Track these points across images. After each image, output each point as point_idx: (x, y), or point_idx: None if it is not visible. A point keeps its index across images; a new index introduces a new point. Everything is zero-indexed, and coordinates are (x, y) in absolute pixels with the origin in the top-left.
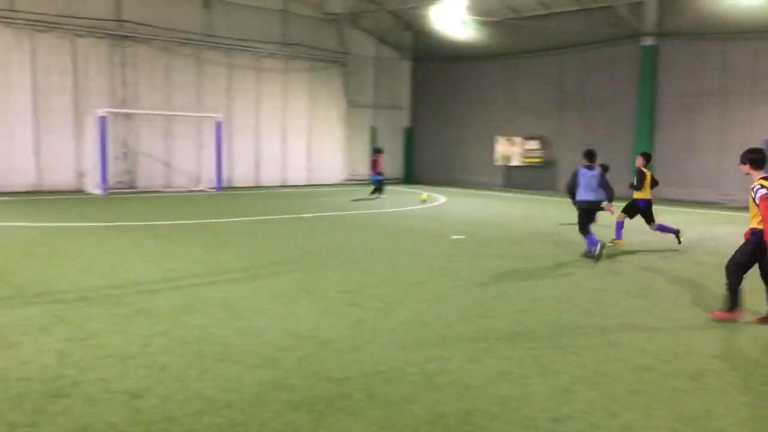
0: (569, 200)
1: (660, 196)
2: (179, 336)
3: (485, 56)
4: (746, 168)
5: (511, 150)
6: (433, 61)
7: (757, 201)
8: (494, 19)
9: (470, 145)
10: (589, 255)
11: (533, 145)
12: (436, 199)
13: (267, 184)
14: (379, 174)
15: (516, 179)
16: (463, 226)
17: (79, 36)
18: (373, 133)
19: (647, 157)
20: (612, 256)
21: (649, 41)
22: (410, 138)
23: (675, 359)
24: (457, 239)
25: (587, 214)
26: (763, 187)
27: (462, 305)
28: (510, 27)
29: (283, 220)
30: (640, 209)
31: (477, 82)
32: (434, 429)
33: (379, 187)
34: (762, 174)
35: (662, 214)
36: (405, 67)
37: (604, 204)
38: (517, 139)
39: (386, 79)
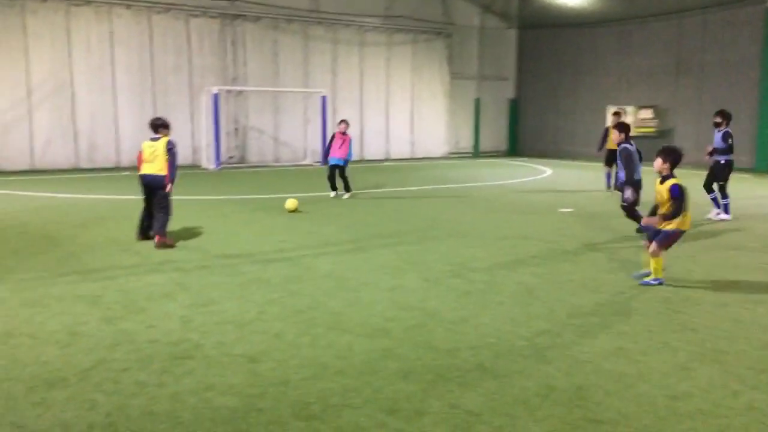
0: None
1: None
2: (291, 304)
3: (597, 22)
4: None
5: (622, 120)
6: (540, 29)
7: None
8: None
9: (579, 115)
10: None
11: (647, 114)
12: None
13: (370, 158)
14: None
15: None
16: (572, 199)
17: (193, 16)
18: (477, 105)
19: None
20: (733, 229)
21: None
22: (515, 109)
23: None
24: (566, 212)
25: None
26: None
27: (572, 279)
28: None
29: (388, 194)
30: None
31: (587, 49)
32: (545, 402)
33: (342, 173)
34: None
35: None
36: (511, 37)
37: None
38: (630, 108)
39: (491, 50)
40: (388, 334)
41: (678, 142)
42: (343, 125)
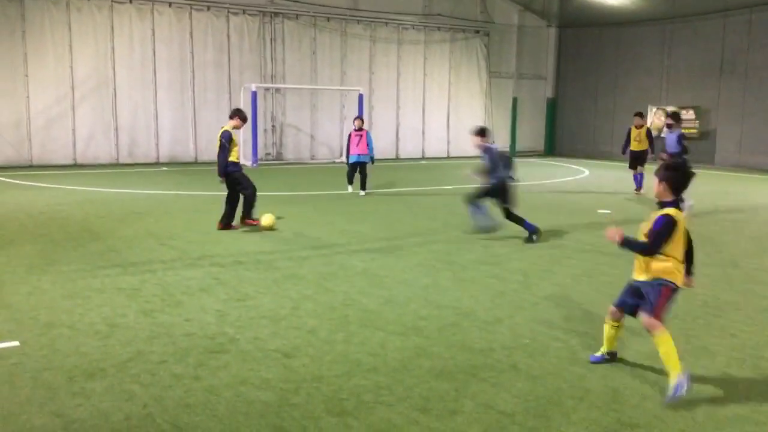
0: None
1: None
2: (325, 301)
3: (638, 21)
4: None
5: (663, 121)
6: (580, 27)
7: None
8: None
9: (619, 115)
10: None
11: (689, 115)
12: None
13: (406, 156)
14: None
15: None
16: (610, 200)
17: (233, 14)
18: (515, 103)
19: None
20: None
21: None
22: (553, 109)
23: None
24: (604, 213)
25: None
26: None
27: (608, 281)
28: None
29: (423, 192)
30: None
31: (628, 49)
32: (580, 404)
33: (362, 170)
34: None
35: None
36: (550, 35)
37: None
38: (670, 109)
39: (530, 48)
40: (421, 332)
41: (720, 143)
42: (357, 122)
